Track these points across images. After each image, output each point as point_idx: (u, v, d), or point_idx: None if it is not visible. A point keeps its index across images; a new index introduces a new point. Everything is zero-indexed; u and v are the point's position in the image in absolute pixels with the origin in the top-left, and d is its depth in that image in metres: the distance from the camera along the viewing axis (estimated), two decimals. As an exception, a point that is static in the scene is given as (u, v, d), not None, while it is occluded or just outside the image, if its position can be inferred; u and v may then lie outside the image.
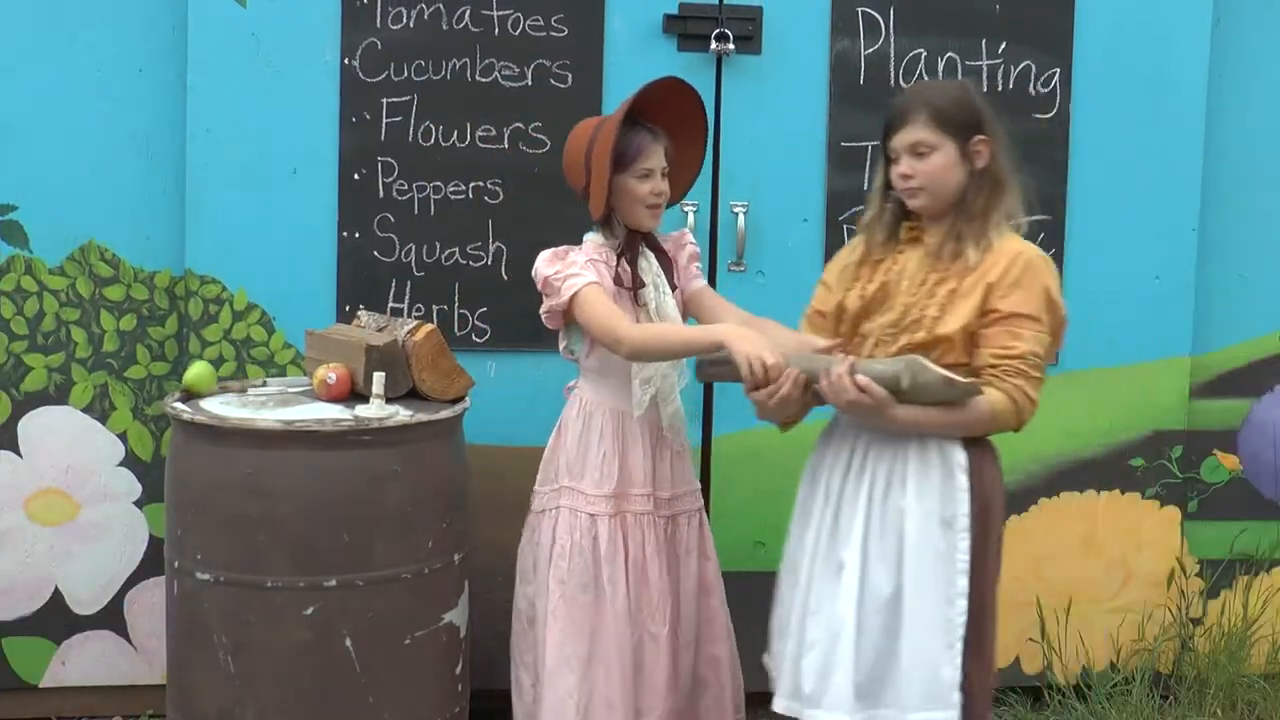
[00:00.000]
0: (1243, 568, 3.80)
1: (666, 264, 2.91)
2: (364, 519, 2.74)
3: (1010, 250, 2.51)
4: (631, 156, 2.79)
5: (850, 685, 2.47)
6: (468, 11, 3.36)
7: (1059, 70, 3.55)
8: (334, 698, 2.75)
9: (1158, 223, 3.62)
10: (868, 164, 3.49)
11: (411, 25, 3.35)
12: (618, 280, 2.81)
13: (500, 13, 3.37)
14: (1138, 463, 3.68)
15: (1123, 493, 3.68)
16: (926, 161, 2.53)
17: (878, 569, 2.50)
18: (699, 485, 2.99)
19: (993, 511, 2.55)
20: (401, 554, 2.79)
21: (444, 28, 3.36)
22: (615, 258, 2.84)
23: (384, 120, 3.35)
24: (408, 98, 3.35)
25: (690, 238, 3.02)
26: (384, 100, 3.35)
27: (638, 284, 2.82)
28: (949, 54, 3.51)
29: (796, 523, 2.70)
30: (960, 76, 3.51)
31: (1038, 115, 3.56)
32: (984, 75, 3.53)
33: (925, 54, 3.51)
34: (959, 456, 2.51)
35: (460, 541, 2.94)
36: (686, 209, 3.42)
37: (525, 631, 2.89)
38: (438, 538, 2.85)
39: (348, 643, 2.74)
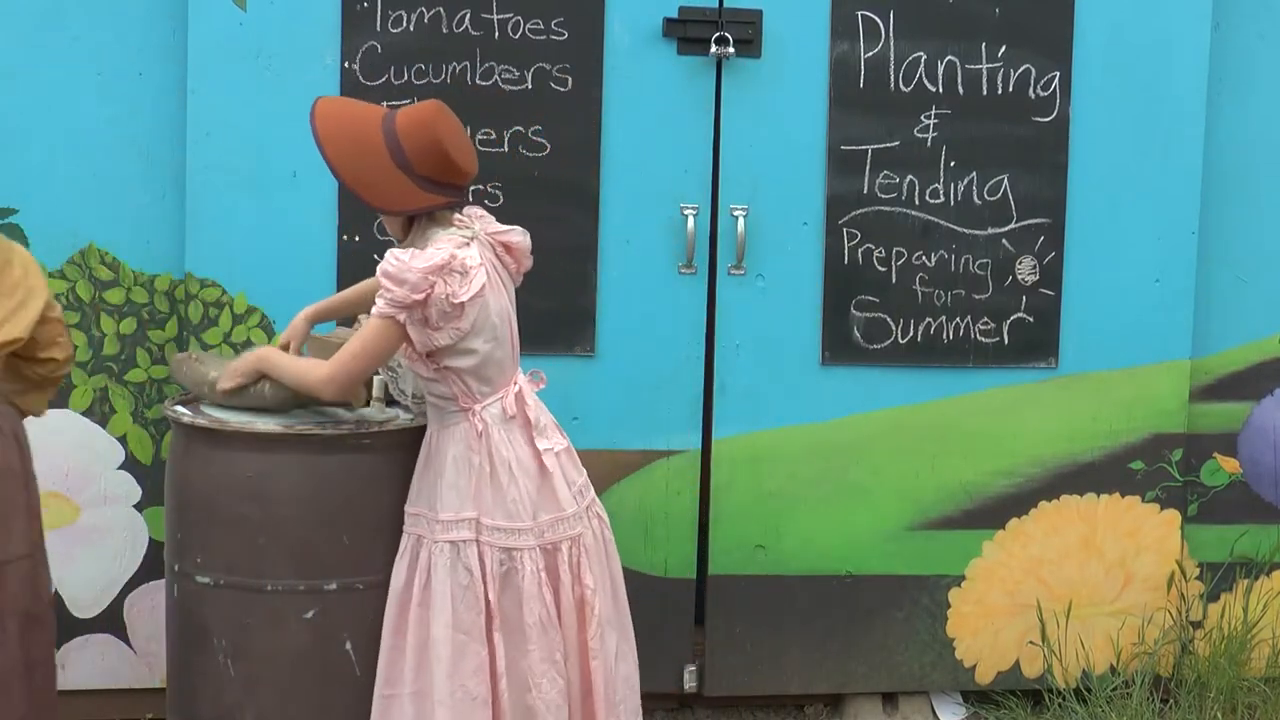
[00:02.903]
0: (1243, 571, 3.80)
1: None
2: (364, 522, 2.74)
3: None
4: None
5: None
6: (468, 15, 3.36)
7: (1059, 74, 3.55)
8: (334, 701, 2.75)
9: (1157, 225, 3.62)
10: (868, 167, 3.49)
11: (411, 29, 3.35)
12: None
13: (500, 16, 3.38)
14: (1138, 466, 3.68)
15: (1123, 496, 3.68)
16: None
17: None
18: (414, 511, 2.75)
19: None
20: (402, 557, 2.79)
21: (444, 31, 3.36)
22: None
23: (384, 124, 3.35)
24: (408, 101, 3.35)
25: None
26: (384, 104, 3.34)
27: None
28: (949, 57, 3.52)
29: None
30: (960, 80, 3.52)
31: (1037, 118, 3.56)
32: (984, 78, 3.53)
33: (925, 57, 3.51)
34: None
35: (460, 545, 2.94)
36: (687, 212, 3.42)
37: None
38: (438, 541, 2.85)
39: (348, 646, 2.74)
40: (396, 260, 2.58)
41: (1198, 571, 3.79)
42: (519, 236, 2.83)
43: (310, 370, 2.70)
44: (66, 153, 3.33)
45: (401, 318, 2.58)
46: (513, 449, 2.71)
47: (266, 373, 2.77)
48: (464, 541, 2.66)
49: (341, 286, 3.36)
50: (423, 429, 2.81)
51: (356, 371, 2.66)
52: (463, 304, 2.60)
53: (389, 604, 2.72)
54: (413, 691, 2.68)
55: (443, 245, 2.63)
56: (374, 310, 2.61)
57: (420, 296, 2.56)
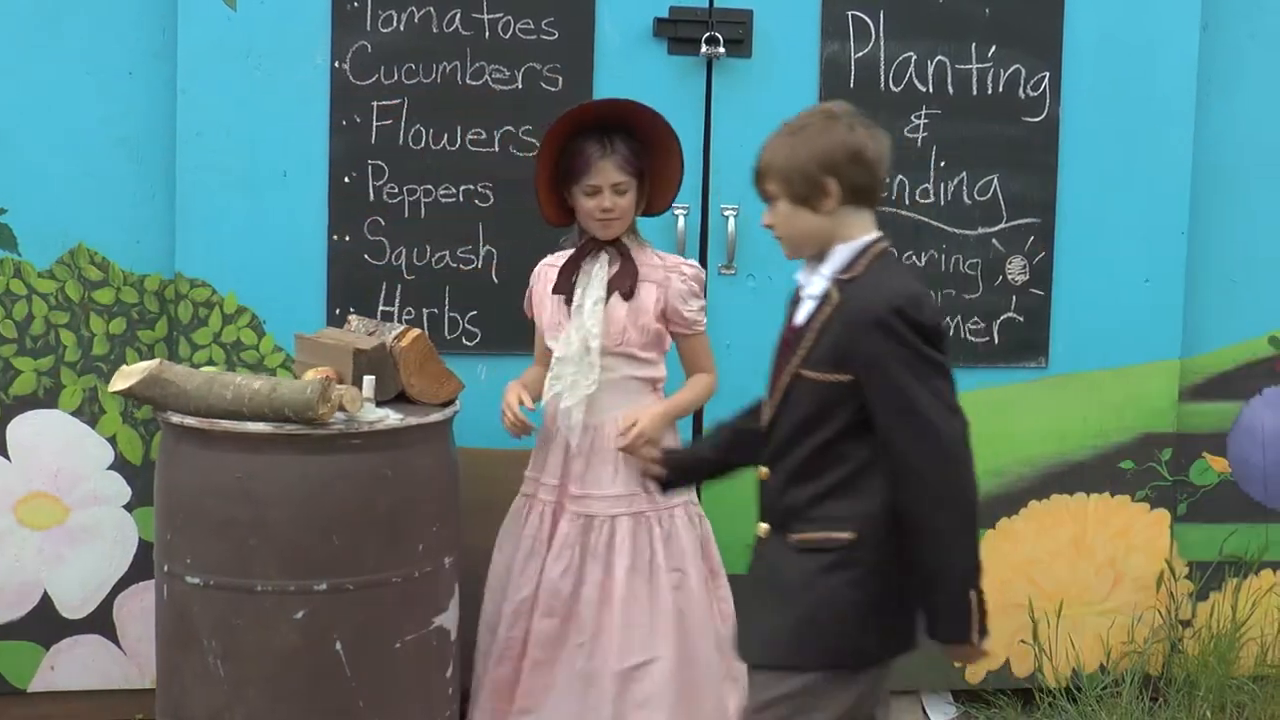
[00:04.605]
0: (1231, 570, 3.81)
1: (629, 273, 2.93)
2: (354, 523, 2.74)
3: None
4: (579, 171, 2.89)
5: None
6: (458, 15, 3.36)
7: (1048, 74, 3.55)
8: (324, 702, 2.75)
9: (1147, 226, 3.63)
10: (858, 167, 3.49)
11: (402, 28, 3.34)
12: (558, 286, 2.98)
13: (490, 16, 3.37)
14: (1127, 465, 3.68)
15: (1112, 495, 3.69)
16: None
17: None
18: (632, 493, 2.98)
19: None
20: (392, 558, 2.79)
21: (434, 31, 3.36)
22: (571, 260, 2.99)
23: (374, 123, 3.35)
24: (398, 101, 3.35)
25: (687, 273, 2.99)
26: (374, 103, 3.34)
27: (561, 289, 2.98)
28: (939, 57, 3.52)
29: None
30: (951, 80, 3.52)
31: (1027, 119, 3.56)
32: (974, 78, 3.53)
33: (915, 57, 3.51)
34: None
35: (450, 545, 2.94)
36: (677, 212, 3.42)
37: None
38: (428, 541, 2.85)
39: (338, 647, 2.74)
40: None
41: (1187, 571, 3.79)
42: None
43: (705, 384, 3.09)
44: (57, 152, 3.32)
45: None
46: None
47: (677, 416, 3.05)
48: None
49: (332, 286, 3.36)
50: (411, 429, 2.82)
51: None
52: None
53: (565, 583, 2.93)
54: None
55: None
56: (697, 328, 3.02)
57: None
